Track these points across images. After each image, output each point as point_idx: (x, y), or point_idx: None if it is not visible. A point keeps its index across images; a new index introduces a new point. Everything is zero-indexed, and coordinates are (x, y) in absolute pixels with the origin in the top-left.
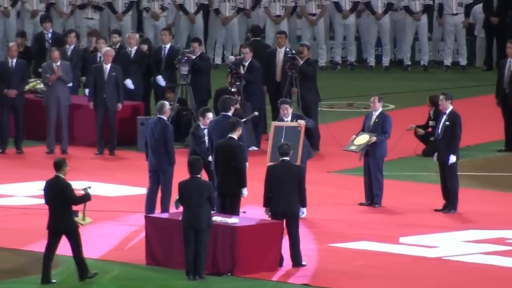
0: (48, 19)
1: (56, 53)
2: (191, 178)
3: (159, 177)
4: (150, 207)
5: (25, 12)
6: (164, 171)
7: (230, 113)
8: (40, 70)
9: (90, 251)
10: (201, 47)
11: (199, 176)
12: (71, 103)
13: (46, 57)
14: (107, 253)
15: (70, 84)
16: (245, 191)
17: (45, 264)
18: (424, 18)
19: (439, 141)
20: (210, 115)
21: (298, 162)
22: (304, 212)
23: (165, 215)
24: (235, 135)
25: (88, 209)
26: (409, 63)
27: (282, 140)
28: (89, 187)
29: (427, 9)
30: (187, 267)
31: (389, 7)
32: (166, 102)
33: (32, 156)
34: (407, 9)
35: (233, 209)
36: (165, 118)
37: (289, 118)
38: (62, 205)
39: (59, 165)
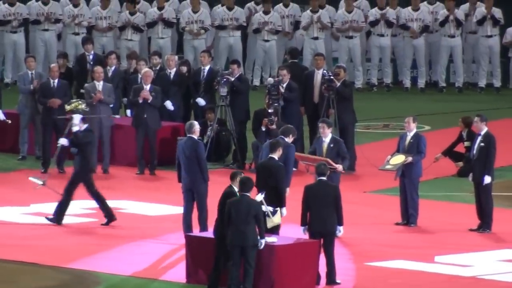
0: (89, 41)
1: (99, 69)
2: (240, 195)
3: (193, 196)
4: (187, 226)
5: (67, 34)
6: (198, 189)
7: (288, 140)
8: (82, 91)
9: (129, 268)
10: (239, 69)
11: (248, 194)
12: (113, 123)
13: (88, 78)
14: (147, 270)
15: (112, 105)
16: (284, 210)
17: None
18: (459, 40)
19: (474, 162)
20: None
21: None
22: (341, 230)
23: (205, 234)
24: (275, 156)
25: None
26: (444, 84)
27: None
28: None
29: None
30: (229, 284)
31: (425, 29)
32: (195, 122)
33: None
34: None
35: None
36: (195, 137)
37: (328, 139)
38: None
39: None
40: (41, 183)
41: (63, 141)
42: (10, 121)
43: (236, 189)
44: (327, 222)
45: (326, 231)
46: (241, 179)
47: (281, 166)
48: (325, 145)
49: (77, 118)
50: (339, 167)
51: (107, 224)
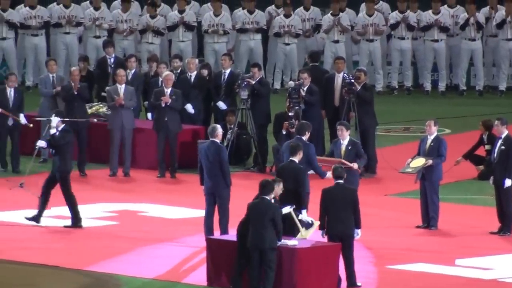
0: (110, 44)
1: (122, 72)
2: (260, 199)
3: (215, 199)
4: (208, 230)
5: (88, 37)
6: (221, 193)
7: (304, 138)
8: (103, 94)
9: (150, 271)
10: (260, 72)
11: (268, 198)
12: (135, 127)
13: (109, 81)
14: (168, 273)
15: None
16: (304, 213)
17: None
18: (479, 44)
19: (495, 165)
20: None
21: None
22: (358, 233)
23: (225, 237)
24: (296, 159)
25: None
26: (465, 88)
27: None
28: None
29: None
30: (250, 286)
31: (444, 30)
32: (218, 125)
33: (95, 179)
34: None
35: (292, 231)
36: (218, 140)
37: (346, 142)
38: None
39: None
40: (19, 185)
41: (40, 143)
42: (32, 125)
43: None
44: (345, 225)
45: (344, 234)
46: (261, 182)
47: (302, 169)
48: (343, 148)
49: (54, 120)
50: (354, 165)
51: (71, 226)
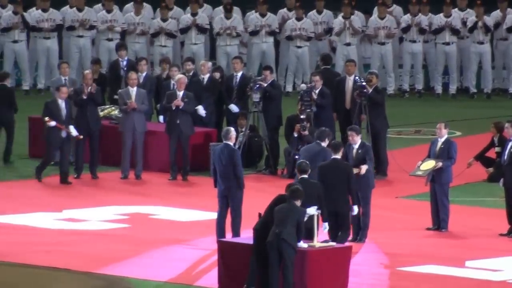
0: (123, 47)
1: (134, 75)
2: (288, 201)
3: (228, 202)
4: (220, 232)
5: (100, 40)
6: (234, 196)
7: (324, 144)
8: (115, 96)
9: (162, 274)
10: (272, 75)
11: (295, 202)
12: (146, 129)
13: (121, 84)
14: (180, 276)
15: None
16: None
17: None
18: (488, 47)
19: (505, 167)
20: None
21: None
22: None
23: (237, 240)
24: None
25: (161, 232)
26: (475, 90)
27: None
28: None
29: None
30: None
31: (455, 32)
32: (232, 128)
33: (107, 181)
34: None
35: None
36: (231, 143)
37: (357, 145)
38: None
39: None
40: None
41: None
42: (82, 137)
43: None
44: (338, 203)
45: (338, 213)
46: (292, 188)
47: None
48: (354, 151)
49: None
50: (362, 169)
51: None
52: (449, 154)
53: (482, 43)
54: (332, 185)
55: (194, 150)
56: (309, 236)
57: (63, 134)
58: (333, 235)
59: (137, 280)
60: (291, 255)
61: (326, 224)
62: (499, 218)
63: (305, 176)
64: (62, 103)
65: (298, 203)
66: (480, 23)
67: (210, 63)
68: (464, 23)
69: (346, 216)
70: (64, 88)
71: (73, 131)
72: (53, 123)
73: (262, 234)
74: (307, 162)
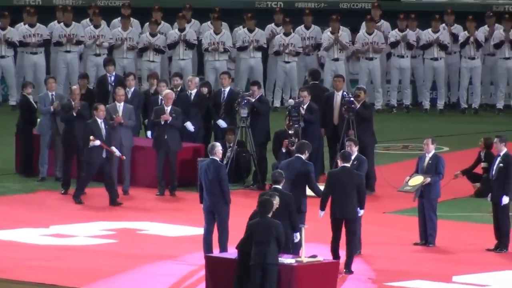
0: (111, 62)
1: (121, 91)
2: (261, 217)
3: (214, 217)
4: (207, 247)
5: (88, 55)
6: (220, 211)
7: (304, 157)
8: None
9: None
10: (260, 90)
11: (269, 216)
12: (134, 145)
13: (109, 99)
14: None
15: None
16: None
17: None
18: (478, 62)
19: (493, 182)
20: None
21: None
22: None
23: (224, 255)
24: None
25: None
26: (466, 106)
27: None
28: None
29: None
30: None
31: (443, 48)
32: (217, 143)
33: (94, 197)
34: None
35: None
36: (217, 159)
37: (353, 157)
38: None
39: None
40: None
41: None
42: (124, 157)
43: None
44: (347, 209)
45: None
46: (261, 201)
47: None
48: (350, 162)
49: None
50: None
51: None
52: (437, 169)
53: (473, 58)
54: (340, 192)
55: (182, 165)
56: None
57: (104, 154)
58: (335, 244)
59: None
60: (275, 274)
61: (298, 234)
62: (486, 233)
63: (278, 186)
64: (101, 123)
65: (270, 215)
66: (471, 38)
67: (197, 78)
68: (455, 37)
69: (354, 222)
70: (102, 106)
71: (116, 151)
72: (97, 142)
73: (245, 252)
74: (281, 172)
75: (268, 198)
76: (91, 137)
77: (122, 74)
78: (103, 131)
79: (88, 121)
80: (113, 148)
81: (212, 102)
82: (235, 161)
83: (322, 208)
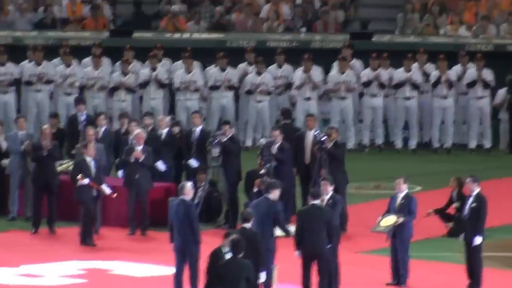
0: (82, 101)
1: (91, 131)
2: (231, 258)
3: (185, 257)
4: (178, 286)
5: (58, 95)
6: (190, 251)
7: (273, 196)
8: (73, 152)
9: None
10: (231, 129)
11: (240, 256)
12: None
13: (80, 138)
14: None
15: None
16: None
17: None
18: (451, 101)
19: (466, 222)
20: None
21: None
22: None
23: None
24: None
25: None
26: (438, 145)
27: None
28: None
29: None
30: None
31: (415, 87)
32: (188, 183)
33: (65, 236)
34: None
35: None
36: (187, 198)
37: (328, 196)
38: None
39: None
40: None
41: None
42: (115, 195)
43: (225, 249)
44: (317, 245)
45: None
46: (233, 240)
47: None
48: (324, 201)
49: None
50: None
51: None
52: (409, 209)
53: (445, 97)
54: (310, 229)
55: (153, 204)
56: None
57: (94, 192)
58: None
59: None
60: None
61: (264, 273)
62: (458, 273)
63: (247, 224)
64: (91, 161)
65: (241, 255)
66: (443, 78)
67: (168, 118)
68: (428, 77)
69: (326, 260)
70: (92, 145)
71: (106, 189)
72: (86, 181)
73: None
74: (250, 210)
75: (240, 239)
76: (79, 176)
77: (93, 113)
78: (93, 170)
79: (77, 160)
80: (103, 186)
81: (184, 141)
82: (207, 201)
83: (298, 247)
